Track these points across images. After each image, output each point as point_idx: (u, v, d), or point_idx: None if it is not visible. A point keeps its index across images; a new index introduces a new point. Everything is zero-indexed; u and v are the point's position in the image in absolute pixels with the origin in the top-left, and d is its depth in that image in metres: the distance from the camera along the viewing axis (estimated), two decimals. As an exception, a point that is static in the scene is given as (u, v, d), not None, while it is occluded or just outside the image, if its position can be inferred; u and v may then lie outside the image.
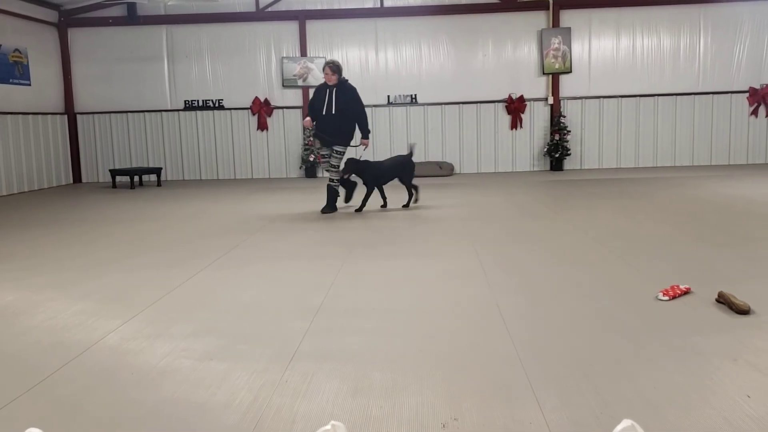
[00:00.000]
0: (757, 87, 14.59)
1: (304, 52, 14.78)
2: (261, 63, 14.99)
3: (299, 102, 14.96)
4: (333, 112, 8.60)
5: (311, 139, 8.00)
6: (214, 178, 15.34)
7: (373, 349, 3.54)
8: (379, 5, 14.72)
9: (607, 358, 3.31)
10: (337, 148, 8.74)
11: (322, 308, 4.36)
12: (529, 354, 3.40)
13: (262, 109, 14.97)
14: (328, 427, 1.15)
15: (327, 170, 8.93)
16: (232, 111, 15.13)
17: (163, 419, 2.79)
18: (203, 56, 15.08)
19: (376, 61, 14.88)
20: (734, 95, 14.68)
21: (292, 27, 14.85)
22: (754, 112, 14.68)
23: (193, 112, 15.20)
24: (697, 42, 14.64)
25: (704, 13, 14.51)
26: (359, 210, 8.96)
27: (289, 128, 15.08)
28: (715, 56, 14.64)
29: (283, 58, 14.88)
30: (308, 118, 8.79)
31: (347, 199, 9.36)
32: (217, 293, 4.86)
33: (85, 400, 3.02)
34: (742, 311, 3.93)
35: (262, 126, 15.04)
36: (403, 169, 9.24)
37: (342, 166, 8.84)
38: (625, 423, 1.16)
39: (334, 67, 8.60)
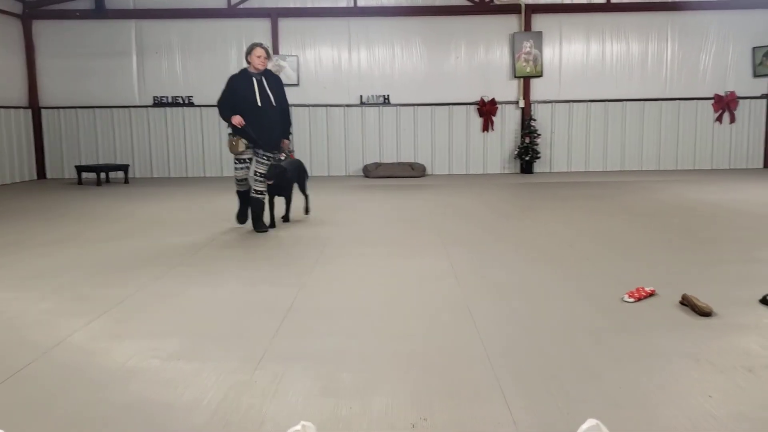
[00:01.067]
0: (722, 94, 14.89)
1: (276, 50, 14.71)
2: (232, 60, 14.88)
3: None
4: (270, 106, 7.14)
5: (234, 137, 7.13)
6: (183, 176, 15.19)
7: (343, 350, 3.55)
8: (352, 5, 14.72)
9: (574, 359, 3.36)
10: (266, 153, 7.29)
11: (293, 308, 4.35)
12: (498, 354, 3.43)
13: (232, 107, 14.85)
14: (298, 427, 1.15)
15: (255, 179, 7.33)
16: (203, 108, 15.00)
17: (130, 419, 2.76)
18: (173, 52, 14.92)
19: (349, 60, 14.88)
20: (700, 102, 14.97)
21: (264, 25, 14.77)
22: (719, 119, 14.98)
23: (162, 109, 15.03)
24: (664, 49, 14.90)
25: (671, 20, 14.78)
26: (288, 219, 8.05)
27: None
28: (682, 63, 14.91)
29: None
30: (239, 116, 7.02)
31: (242, 217, 7.78)
32: (186, 292, 4.82)
33: (50, 400, 2.97)
34: (705, 313, 4.01)
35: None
36: (300, 174, 8.33)
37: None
38: (590, 422, 1.18)
39: (268, 51, 7.20)
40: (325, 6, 14.72)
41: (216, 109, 14.80)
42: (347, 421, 2.72)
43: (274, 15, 14.70)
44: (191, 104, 14.97)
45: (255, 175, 7.36)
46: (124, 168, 13.99)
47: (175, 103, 14.98)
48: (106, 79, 14.98)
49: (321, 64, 14.89)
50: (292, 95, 14.81)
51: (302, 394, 2.98)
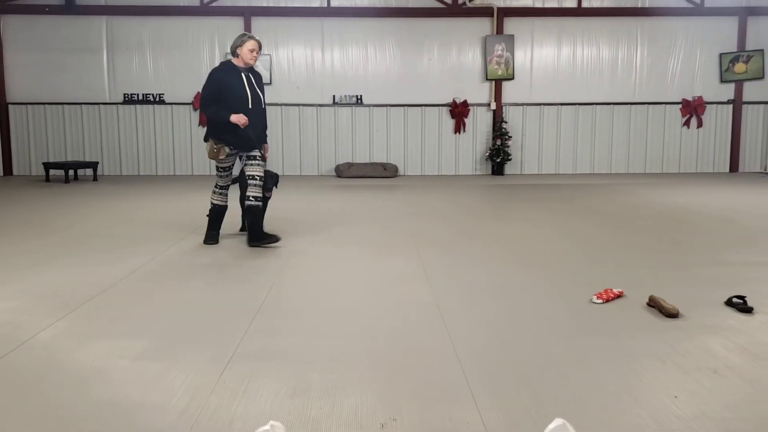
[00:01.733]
0: (690, 99, 15.14)
1: (248, 49, 14.62)
2: (204, 58, 14.76)
3: (243, 99, 14.79)
4: (260, 105, 6.42)
5: (217, 144, 6.31)
6: (152, 173, 15.02)
7: (313, 350, 3.53)
8: (326, 5, 14.69)
9: (542, 359, 3.39)
10: (257, 153, 6.46)
11: (263, 308, 4.32)
12: (468, 354, 3.45)
13: (202, 105, 14.74)
14: (267, 427, 1.15)
15: (250, 185, 6.42)
16: (173, 106, 14.86)
17: (95, 421, 2.72)
18: (144, 49, 14.76)
19: (322, 60, 14.85)
20: (668, 106, 15.21)
21: (237, 23, 14.68)
22: (687, 123, 15.23)
23: (132, 106, 14.86)
24: (634, 54, 15.10)
25: (641, 26, 14.99)
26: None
27: (232, 125, 14.89)
28: (651, 68, 15.13)
29: (227, 53, 14.68)
30: (241, 115, 6.17)
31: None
32: (154, 292, 4.77)
33: (12, 401, 2.91)
34: (672, 315, 4.08)
35: (204, 122, 14.81)
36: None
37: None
38: (557, 422, 1.19)
39: (261, 44, 6.43)
40: (298, 5, 14.67)
41: (188, 107, 14.79)
42: (317, 421, 2.71)
43: (248, 13, 14.62)
44: (162, 102, 14.82)
45: (251, 179, 6.39)
46: (93, 165, 13.80)
47: (145, 100, 14.82)
48: (75, 75, 14.76)
49: (294, 64, 14.84)
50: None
51: (271, 395, 2.97)
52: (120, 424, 2.69)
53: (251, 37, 6.30)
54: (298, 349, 3.54)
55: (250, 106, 6.25)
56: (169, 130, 14.93)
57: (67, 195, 11.03)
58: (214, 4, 14.59)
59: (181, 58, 14.77)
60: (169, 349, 3.55)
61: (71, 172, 13.95)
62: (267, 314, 4.20)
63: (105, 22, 14.67)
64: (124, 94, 14.81)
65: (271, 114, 14.78)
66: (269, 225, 7.49)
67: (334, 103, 14.87)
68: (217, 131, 6.28)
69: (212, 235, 6.71)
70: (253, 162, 6.42)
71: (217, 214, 6.74)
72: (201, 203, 9.77)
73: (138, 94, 14.81)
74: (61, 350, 3.54)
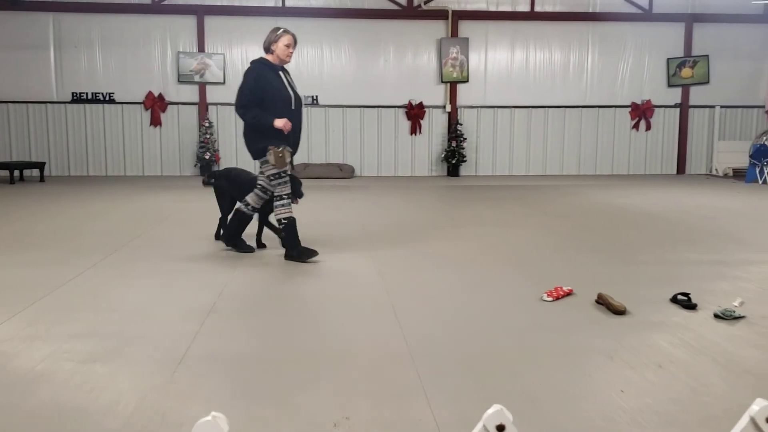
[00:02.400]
0: (639, 102, 15.50)
1: (201, 48, 14.45)
2: (156, 57, 14.53)
3: (195, 98, 14.61)
4: (300, 106, 5.82)
5: (280, 148, 5.58)
6: (102, 174, 14.71)
7: (265, 349, 3.51)
8: (280, 4, 14.61)
9: (494, 356, 3.43)
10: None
11: (214, 309, 4.28)
12: (421, 353, 3.47)
13: (155, 104, 14.51)
14: (209, 418, 1.13)
15: (280, 197, 5.76)
16: (124, 105, 14.58)
17: (39, 425, 2.65)
18: (93, 47, 14.45)
19: (276, 60, 14.74)
20: (618, 109, 15.54)
21: (190, 21, 14.49)
22: (636, 126, 15.58)
23: (81, 105, 14.53)
24: (585, 58, 15.39)
25: (592, 30, 15.28)
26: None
27: (184, 124, 14.68)
28: (602, 72, 15.44)
29: (179, 52, 14.49)
30: (286, 120, 5.57)
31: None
32: (102, 293, 4.67)
33: (-47, 405, 2.82)
34: (619, 312, 4.17)
35: (156, 122, 14.58)
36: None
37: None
38: (495, 407, 1.21)
39: (296, 39, 5.82)
40: (252, 5, 14.55)
41: (138, 107, 14.53)
42: (269, 421, 2.69)
43: (201, 12, 14.44)
44: (112, 101, 14.53)
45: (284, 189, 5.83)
46: (40, 166, 13.44)
47: (95, 99, 14.51)
48: (21, 73, 14.36)
49: (247, 63, 14.70)
50: (218, 94, 14.62)
51: (222, 396, 2.94)
52: (65, 430, 2.62)
53: (287, 32, 5.72)
54: (250, 350, 3.51)
55: (292, 107, 5.69)
56: (120, 129, 14.65)
57: (12, 196, 10.72)
58: (165, 1, 14.37)
59: (132, 57, 14.50)
60: (117, 352, 3.49)
61: (17, 173, 13.56)
62: (219, 315, 4.15)
63: (52, 19, 14.31)
64: (73, 93, 14.47)
65: (225, 114, 14.64)
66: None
67: (289, 104, 14.79)
68: (268, 136, 5.59)
69: (307, 250, 5.82)
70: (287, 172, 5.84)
71: (294, 226, 5.81)
72: (151, 205, 9.63)
73: (87, 93, 14.49)
74: (4, 354, 3.44)
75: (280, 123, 5.54)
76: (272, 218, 6.21)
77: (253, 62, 5.78)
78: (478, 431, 1.24)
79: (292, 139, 5.74)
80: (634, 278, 5.19)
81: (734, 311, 4.13)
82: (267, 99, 5.57)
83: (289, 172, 5.77)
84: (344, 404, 2.85)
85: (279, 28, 5.77)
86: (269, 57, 5.75)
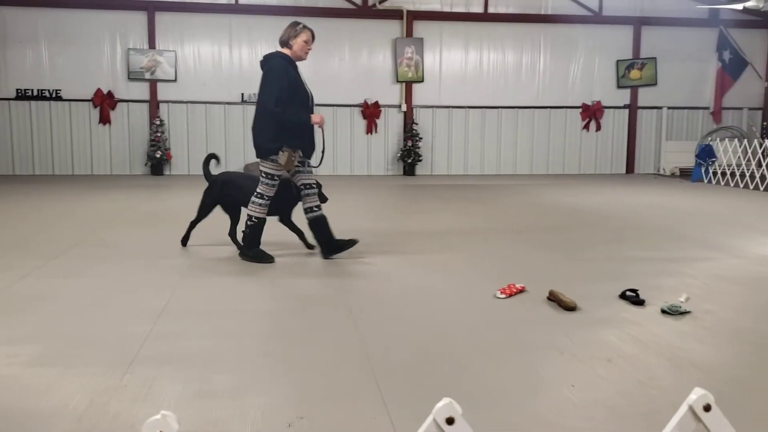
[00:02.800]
0: (589, 103, 15.79)
1: (152, 45, 14.21)
2: (105, 53, 14.22)
3: (146, 96, 14.35)
4: (313, 104, 5.74)
5: (295, 154, 5.46)
6: (49, 173, 14.34)
7: (218, 351, 3.47)
8: (233, 2, 14.45)
9: (448, 354, 3.46)
10: (311, 160, 5.82)
11: (166, 310, 4.21)
12: (376, 351, 3.47)
13: (104, 102, 14.20)
14: (158, 416, 1.12)
15: (261, 196, 5.62)
16: (72, 102, 14.23)
17: (-16, 429, 2.58)
18: (39, 42, 14.06)
19: (230, 57, 14.59)
20: (569, 110, 15.82)
21: (140, 17, 14.22)
22: (586, 127, 15.89)
23: (26, 102, 14.12)
24: (537, 59, 15.62)
25: (544, 32, 15.52)
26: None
27: (135, 122, 14.40)
28: (553, 73, 15.70)
29: (129, 49, 14.21)
30: (321, 115, 5.59)
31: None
32: (49, 296, 4.55)
33: None
34: (570, 308, 4.25)
35: (105, 120, 14.27)
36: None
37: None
38: (445, 401, 1.23)
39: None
40: (205, 1, 14.36)
41: (87, 104, 14.18)
42: (222, 422, 2.67)
43: (151, 8, 14.19)
44: (59, 98, 14.17)
45: (309, 188, 5.73)
46: (-17, 164, 13.04)
47: (41, 96, 14.12)
48: (-38, 68, 13.91)
49: (200, 61, 14.52)
50: (169, 91, 14.39)
51: (175, 397, 2.89)
52: (11, 433, 2.56)
53: (306, 28, 5.56)
54: (203, 351, 3.47)
55: (310, 105, 5.60)
56: (67, 127, 14.29)
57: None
58: (115, -3, 14.08)
59: (80, 53, 14.16)
60: (65, 354, 3.41)
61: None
62: (170, 316, 4.09)
63: (-4, 13, 13.90)
64: (17, 90, 14.06)
65: (176, 112, 14.42)
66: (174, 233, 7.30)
67: (243, 101, 14.64)
68: (289, 136, 5.42)
69: (265, 255, 5.68)
70: (309, 168, 5.75)
71: (261, 228, 5.70)
72: (100, 204, 9.43)
73: (32, 90, 14.09)
74: (-54, 358, 3.33)
75: (317, 118, 5.44)
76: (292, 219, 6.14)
77: (274, 57, 5.56)
78: (428, 425, 1.25)
79: (308, 140, 5.59)
80: (584, 275, 5.30)
81: (680, 307, 4.24)
82: (294, 96, 5.43)
83: (281, 174, 5.61)
84: (299, 404, 2.84)
85: (298, 24, 5.61)
86: (286, 52, 5.56)
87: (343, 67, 14.97)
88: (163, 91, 14.43)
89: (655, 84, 15.84)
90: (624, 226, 7.80)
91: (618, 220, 8.26)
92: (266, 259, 5.63)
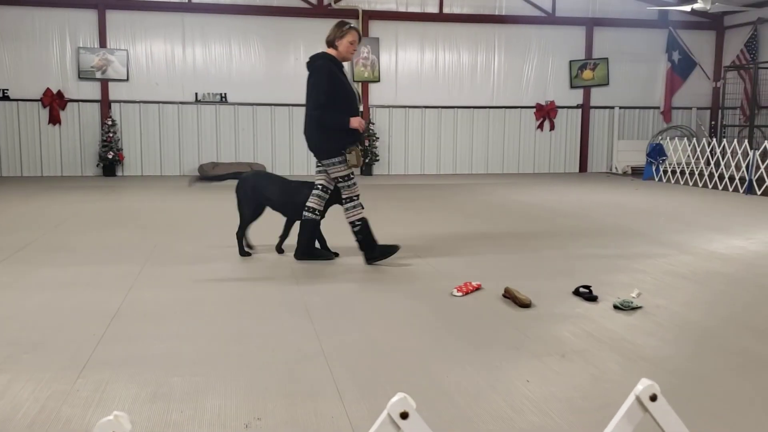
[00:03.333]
0: (543, 103, 16.02)
1: (103, 43, 13.92)
2: (54, 52, 13.88)
3: (97, 95, 14.05)
4: (359, 104, 5.70)
5: (360, 150, 5.49)
6: (-3, 175, 13.94)
7: (174, 354, 3.43)
8: (186, 0, 14.26)
9: (405, 352, 3.48)
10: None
11: (119, 313, 4.14)
12: (334, 350, 3.48)
13: (54, 102, 13.86)
14: (111, 417, 1.11)
15: (350, 199, 5.59)
16: (19, 102, 13.85)
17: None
18: (-16, 40, 13.65)
19: (183, 56, 14.38)
20: (523, 110, 16.02)
21: (90, 15, 13.92)
22: (540, 126, 16.11)
23: (-28, 102, 13.71)
24: (492, 59, 15.78)
25: (498, 33, 15.69)
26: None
27: (86, 123, 14.09)
28: (507, 73, 15.87)
29: (79, 48, 13.90)
30: (360, 118, 5.50)
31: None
32: (-2, 299, 4.44)
33: None
34: (525, 305, 4.31)
35: (55, 120, 13.93)
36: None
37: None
38: (399, 395, 1.24)
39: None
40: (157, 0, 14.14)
41: (36, 104, 13.83)
42: (178, 425, 2.64)
43: (102, 6, 13.90)
44: (6, 98, 13.78)
45: (319, 189, 5.76)
46: (-73, 166, 12.61)
47: (-13, 95, 13.72)
48: None
49: (153, 60, 14.27)
50: (121, 91, 14.13)
51: (129, 401, 2.85)
52: (-42, 441, 2.49)
53: (353, 28, 5.53)
54: (158, 353, 3.43)
55: (357, 105, 5.56)
56: (15, 128, 13.90)
57: None
58: (64, -6, 13.75)
59: (27, 52, 13.79)
60: (14, 359, 3.33)
61: None
62: (124, 319, 4.03)
63: (-61, 10, 13.45)
64: (-38, 89, 13.64)
65: (129, 111, 14.16)
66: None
67: (197, 101, 14.46)
68: (341, 136, 5.38)
69: (388, 246, 5.66)
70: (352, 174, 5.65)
71: (368, 226, 5.61)
72: (50, 206, 9.21)
73: (-22, 89, 13.69)
74: None
75: (356, 122, 5.39)
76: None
77: (319, 58, 5.51)
78: (383, 419, 1.27)
79: (357, 137, 5.54)
80: (538, 272, 5.38)
81: (632, 302, 4.35)
82: (338, 98, 5.38)
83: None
84: (256, 405, 2.83)
85: (345, 24, 5.57)
86: (332, 52, 5.53)
87: (299, 66, 14.88)
88: (115, 91, 14.15)
89: (607, 84, 16.14)
90: (577, 224, 7.94)
91: (571, 218, 8.41)
92: (391, 249, 5.63)
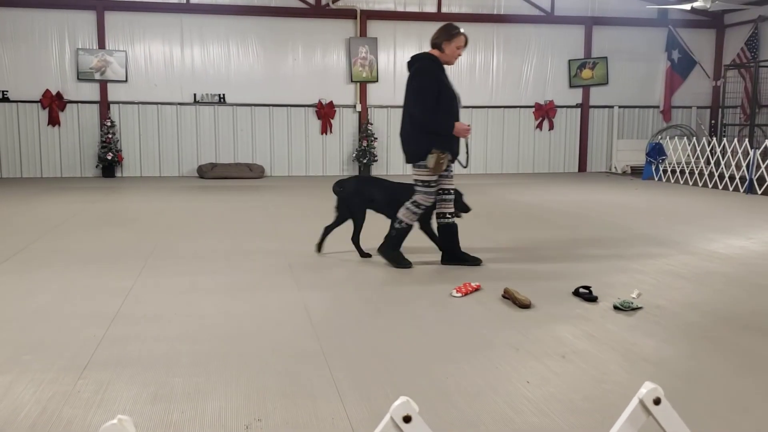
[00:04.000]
0: (542, 103, 16.02)
1: (102, 45, 13.92)
2: (53, 53, 13.87)
3: (96, 96, 14.04)
4: (460, 107, 5.56)
5: (443, 156, 5.32)
6: (-4, 176, 13.93)
7: (175, 355, 3.43)
8: (185, 1, 14.26)
9: (405, 352, 3.48)
10: (453, 166, 5.70)
11: (120, 315, 4.14)
12: (334, 351, 3.48)
13: (53, 103, 13.86)
14: (115, 421, 1.11)
15: (417, 204, 5.52)
16: (19, 104, 13.85)
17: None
18: (-17, 42, 13.64)
19: (181, 57, 14.38)
20: (522, 110, 16.02)
21: (89, 17, 13.91)
22: (539, 126, 16.11)
23: (-29, 103, 13.70)
24: (491, 59, 15.78)
25: (497, 32, 15.69)
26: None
27: (85, 124, 14.08)
28: (506, 73, 15.87)
29: (78, 49, 13.89)
30: (466, 126, 5.45)
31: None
32: (-2, 301, 4.44)
33: None
34: (524, 305, 4.32)
35: (54, 121, 13.93)
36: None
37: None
38: (402, 399, 1.24)
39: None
40: (155, 1, 14.13)
41: (35, 105, 13.83)
42: (179, 426, 2.64)
43: (100, 8, 13.89)
44: (6, 99, 13.77)
45: (447, 194, 5.62)
46: (-74, 167, 12.60)
47: (-14, 97, 13.71)
48: None
49: (151, 61, 14.27)
50: (120, 92, 14.12)
51: (130, 402, 2.86)
52: (-41, 444, 2.49)
53: (462, 33, 5.42)
54: (159, 355, 3.43)
55: (459, 109, 5.49)
56: (15, 129, 13.89)
57: None
58: (63, -5, 13.74)
59: (27, 53, 13.78)
60: (15, 361, 3.33)
61: None
62: (124, 320, 4.03)
63: (-63, 11, 13.44)
64: (-39, 90, 13.64)
65: (128, 113, 14.16)
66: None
67: (195, 102, 14.45)
68: (438, 141, 5.29)
69: (404, 259, 5.56)
70: (450, 173, 5.61)
71: (406, 234, 5.62)
72: (50, 207, 9.21)
73: (-23, 90, 13.68)
74: None
75: (461, 129, 5.34)
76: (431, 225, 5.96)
77: (422, 59, 5.44)
78: (386, 423, 1.27)
79: (456, 144, 5.45)
80: (538, 273, 5.38)
81: (632, 302, 4.35)
82: (440, 100, 5.29)
83: (437, 180, 5.49)
84: (257, 406, 2.83)
85: (455, 27, 5.44)
86: (435, 53, 5.42)
87: (297, 67, 14.89)
88: (114, 92, 14.15)
89: (606, 83, 16.14)
90: (577, 224, 7.94)
91: (571, 218, 8.41)
92: (404, 263, 5.49)
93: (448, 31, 5.40)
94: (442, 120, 5.30)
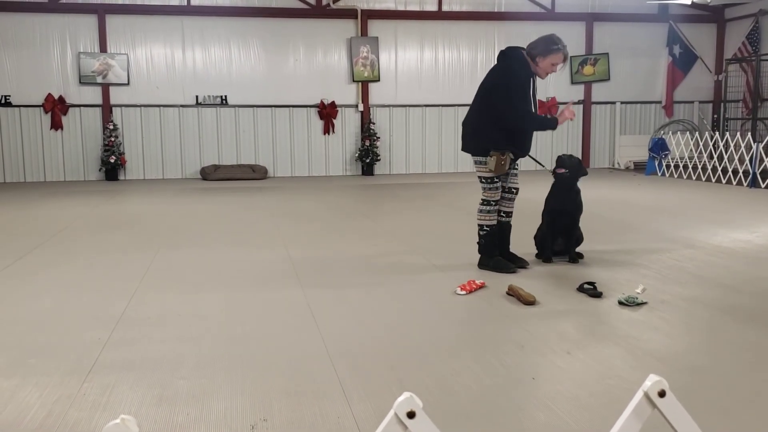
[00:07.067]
0: (544, 100, 15.98)
1: (103, 48, 13.94)
2: (55, 57, 13.90)
3: (98, 100, 14.06)
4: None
5: (504, 157, 5.30)
6: (0, 181, 13.96)
7: (179, 357, 3.43)
8: (185, 3, 14.27)
9: (410, 351, 3.48)
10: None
11: (124, 317, 4.15)
12: (338, 350, 3.48)
13: (56, 107, 13.88)
14: (118, 420, 1.11)
15: (487, 202, 5.50)
16: (22, 108, 13.88)
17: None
18: (-14, 47, 13.67)
19: (183, 60, 14.39)
20: (524, 107, 15.97)
21: (90, 21, 13.93)
22: (541, 123, 16.08)
23: (-26, 108, 13.73)
24: (492, 57, 15.74)
25: (498, 30, 15.67)
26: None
27: (87, 127, 14.11)
28: (508, 70, 15.83)
29: (80, 53, 13.92)
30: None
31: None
32: (5, 303, 4.45)
33: None
34: (529, 302, 4.31)
35: (57, 125, 13.95)
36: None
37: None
38: (405, 395, 1.24)
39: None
40: (156, 3, 14.14)
41: (38, 109, 13.86)
42: (185, 427, 2.64)
43: (101, 11, 13.92)
44: (9, 104, 13.80)
45: (510, 193, 5.64)
46: (-70, 173, 12.63)
47: (-11, 102, 13.74)
48: None
49: (153, 63, 14.28)
50: (122, 95, 14.15)
51: (136, 404, 2.86)
52: (-35, 448, 2.50)
53: (561, 50, 5.21)
54: (163, 357, 3.43)
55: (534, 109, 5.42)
56: (18, 134, 13.92)
57: None
58: (64, 0, 13.76)
59: (29, 58, 13.81)
60: (20, 364, 3.33)
61: None
62: (129, 322, 4.03)
63: (-61, 17, 13.47)
64: (-36, 96, 13.67)
65: (130, 115, 14.18)
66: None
67: (198, 104, 14.46)
68: (506, 138, 5.25)
69: (504, 263, 5.36)
70: (516, 171, 5.61)
71: (494, 236, 5.47)
72: (54, 211, 9.22)
73: (-20, 96, 13.71)
74: None
75: (563, 116, 5.40)
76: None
77: (515, 51, 5.31)
78: (390, 419, 1.27)
79: (525, 144, 5.43)
80: (542, 269, 5.37)
81: (637, 298, 4.34)
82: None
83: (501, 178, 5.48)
84: (262, 406, 2.83)
85: (554, 43, 5.23)
86: (528, 58, 5.26)
87: (299, 67, 14.89)
88: (116, 95, 14.17)
89: (608, 79, 16.11)
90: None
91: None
92: (506, 268, 5.31)
93: (548, 45, 5.19)
94: (533, 118, 5.30)
